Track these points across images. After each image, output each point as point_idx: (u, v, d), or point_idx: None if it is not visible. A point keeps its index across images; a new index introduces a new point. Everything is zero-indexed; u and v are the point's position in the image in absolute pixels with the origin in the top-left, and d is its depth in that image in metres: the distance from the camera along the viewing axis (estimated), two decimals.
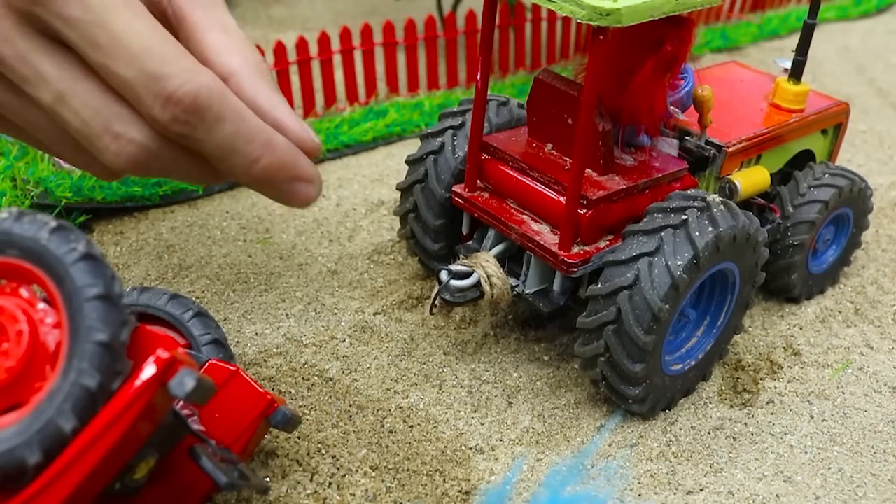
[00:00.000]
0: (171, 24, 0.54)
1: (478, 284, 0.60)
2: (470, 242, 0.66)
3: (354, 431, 0.58)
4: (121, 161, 0.49)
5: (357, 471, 0.55)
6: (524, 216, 0.61)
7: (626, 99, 0.58)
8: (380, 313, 0.70)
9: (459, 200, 0.65)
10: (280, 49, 0.96)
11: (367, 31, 1.03)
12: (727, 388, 0.65)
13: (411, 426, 0.59)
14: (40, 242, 0.39)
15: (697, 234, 0.55)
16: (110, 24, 0.46)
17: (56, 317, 0.39)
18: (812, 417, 0.62)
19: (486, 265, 0.61)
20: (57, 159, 0.83)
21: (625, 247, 0.56)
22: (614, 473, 0.56)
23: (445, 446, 0.58)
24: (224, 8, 0.55)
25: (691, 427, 0.61)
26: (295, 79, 1.01)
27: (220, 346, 0.55)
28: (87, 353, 0.37)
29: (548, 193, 0.60)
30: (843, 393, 0.65)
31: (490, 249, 0.63)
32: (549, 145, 0.63)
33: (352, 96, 1.04)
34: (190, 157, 0.50)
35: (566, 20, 1.19)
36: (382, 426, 0.59)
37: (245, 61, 0.52)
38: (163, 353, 0.39)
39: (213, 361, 0.51)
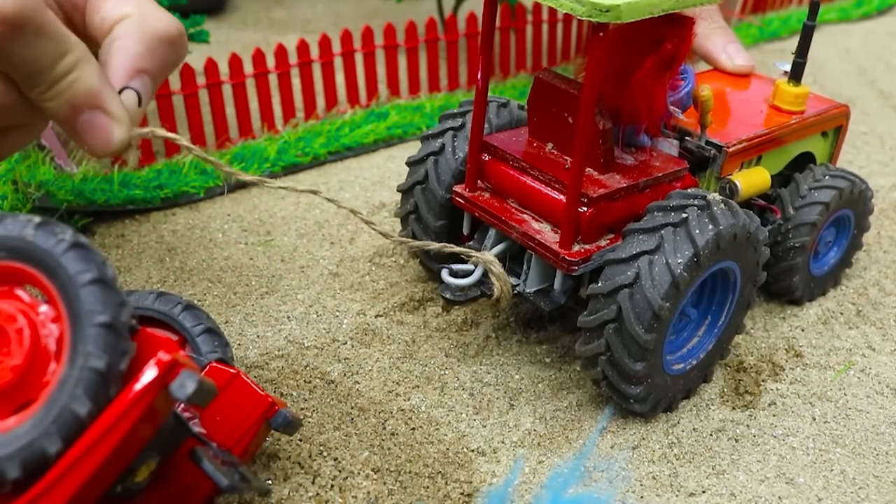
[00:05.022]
0: None
1: (478, 283, 0.60)
2: (471, 242, 0.66)
3: (356, 434, 0.58)
4: None
5: (359, 473, 0.55)
6: (525, 215, 0.61)
7: (626, 98, 0.58)
8: (381, 316, 0.70)
9: (460, 200, 0.64)
10: (281, 52, 0.96)
11: (368, 34, 1.03)
12: (729, 389, 0.65)
13: (413, 428, 0.59)
14: (26, 239, 0.39)
15: (698, 231, 0.55)
16: None
17: (54, 311, 0.39)
18: (814, 419, 0.62)
19: (487, 264, 0.61)
20: (58, 161, 0.83)
21: (625, 245, 0.56)
22: (616, 475, 0.56)
23: (447, 448, 0.58)
24: None
25: (693, 429, 0.61)
26: (296, 81, 1.01)
27: (214, 334, 0.55)
28: (91, 336, 0.38)
29: (548, 192, 0.60)
30: (846, 395, 0.65)
31: (491, 249, 0.63)
32: (550, 144, 0.63)
33: (353, 99, 1.04)
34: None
35: (567, 22, 1.19)
36: (384, 428, 0.59)
37: (139, 8, 0.50)
38: (164, 356, 0.39)
39: (214, 364, 0.51)
